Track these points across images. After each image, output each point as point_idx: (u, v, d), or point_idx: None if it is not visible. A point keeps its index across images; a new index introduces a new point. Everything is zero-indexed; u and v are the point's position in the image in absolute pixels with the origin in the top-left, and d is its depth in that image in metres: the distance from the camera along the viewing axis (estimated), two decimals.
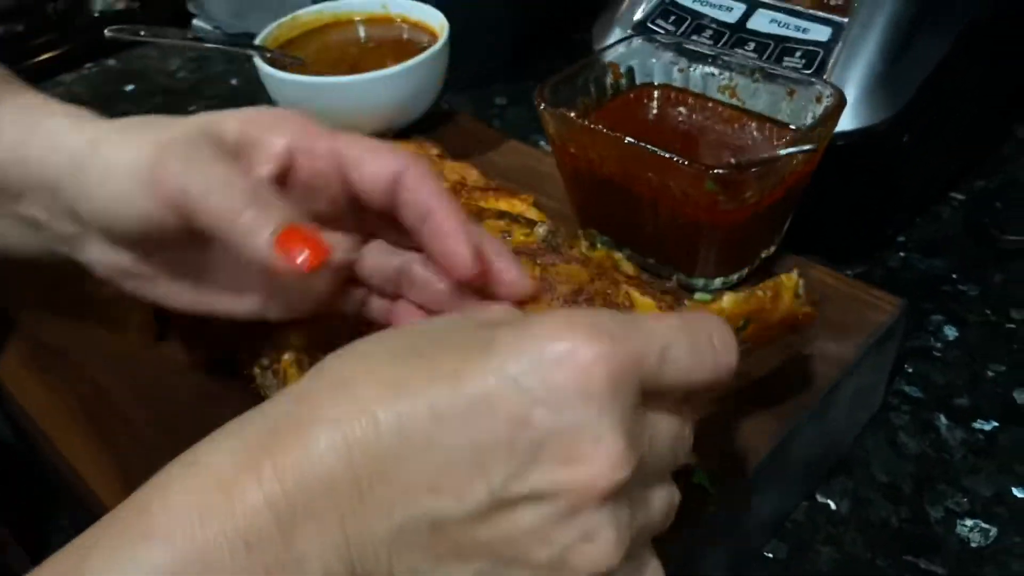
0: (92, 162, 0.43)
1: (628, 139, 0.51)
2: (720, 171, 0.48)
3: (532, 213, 0.60)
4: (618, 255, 0.56)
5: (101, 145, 0.43)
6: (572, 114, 0.54)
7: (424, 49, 0.74)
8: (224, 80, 1.06)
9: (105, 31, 0.66)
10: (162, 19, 1.19)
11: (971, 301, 0.68)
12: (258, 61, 0.70)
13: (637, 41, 0.62)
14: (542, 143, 0.90)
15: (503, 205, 0.61)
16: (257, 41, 0.73)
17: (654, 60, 0.62)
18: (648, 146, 0.50)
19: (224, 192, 0.39)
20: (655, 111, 0.61)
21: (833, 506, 0.55)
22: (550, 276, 0.53)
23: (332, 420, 0.28)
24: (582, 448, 0.28)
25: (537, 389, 0.28)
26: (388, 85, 0.68)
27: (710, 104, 0.60)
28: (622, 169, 0.54)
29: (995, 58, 0.71)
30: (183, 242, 0.43)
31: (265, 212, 0.38)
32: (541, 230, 0.56)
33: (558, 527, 0.29)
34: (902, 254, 0.73)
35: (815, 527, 0.54)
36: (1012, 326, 0.66)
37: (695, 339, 0.31)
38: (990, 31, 0.66)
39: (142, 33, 0.66)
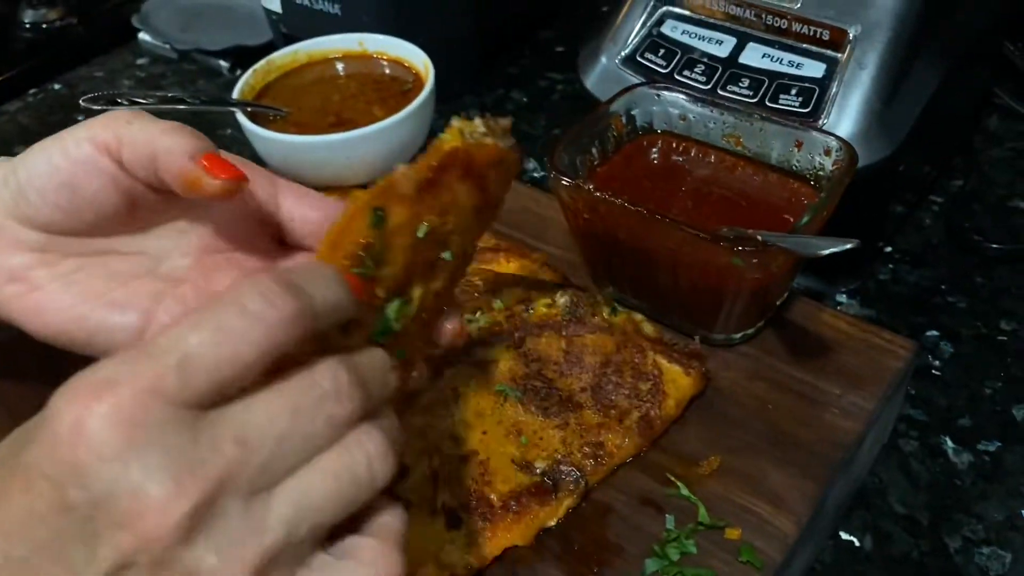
0: (26, 159, 0.44)
1: (650, 211, 0.51)
2: (748, 248, 0.48)
3: (546, 273, 0.60)
4: (639, 317, 0.57)
5: (31, 152, 0.44)
6: (590, 187, 0.54)
7: (407, 89, 0.73)
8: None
9: (80, 101, 0.62)
10: (104, 34, 1.14)
11: (962, 314, 0.71)
12: (242, 119, 0.68)
13: (639, 90, 0.61)
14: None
15: (516, 267, 0.60)
16: (235, 94, 0.71)
17: (655, 108, 0.62)
18: (671, 219, 0.51)
19: (152, 124, 0.43)
20: (662, 163, 0.61)
21: (857, 543, 0.57)
22: (576, 349, 0.53)
23: None
24: (126, 508, 0.28)
25: (59, 473, 0.28)
26: (378, 139, 0.67)
27: (716, 154, 0.60)
28: (640, 235, 0.54)
29: (978, 73, 0.72)
30: (100, 219, 0.45)
31: (190, 136, 0.42)
32: (563, 300, 0.56)
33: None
34: (891, 266, 0.75)
35: (842, 568, 0.56)
36: (1003, 338, 0.69)
37: (220, 324, 0.29)
38: (978, 54, 0.67)
39: (119, 101, 0.63)
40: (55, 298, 0.45)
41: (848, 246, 0.45)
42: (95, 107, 0.62)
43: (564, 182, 0.55)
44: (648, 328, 0.56)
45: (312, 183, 0.69)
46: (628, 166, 0.61)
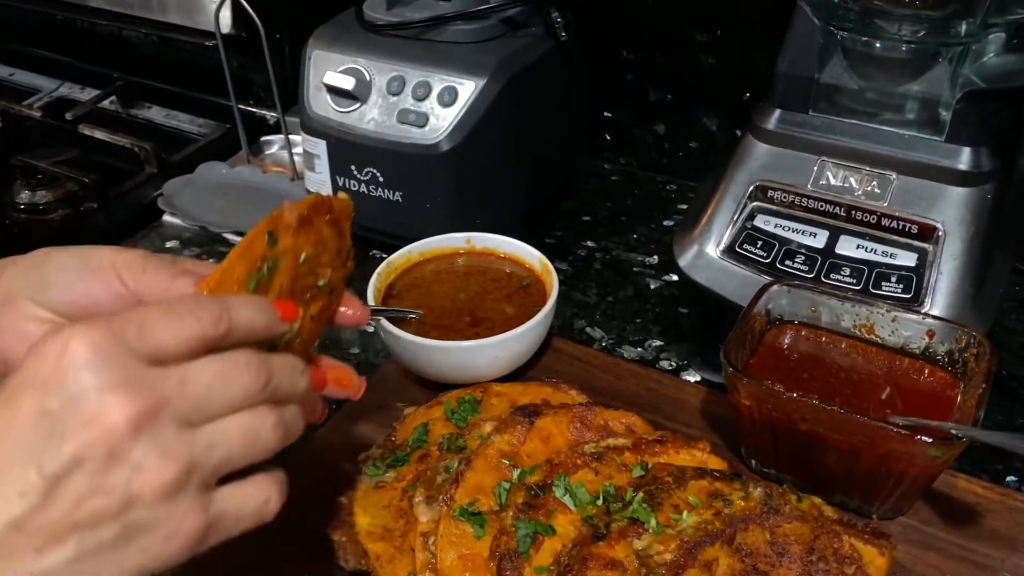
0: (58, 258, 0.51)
1: (846, 409, 0.57)
2: (946, 442, 0.55)
3: (713, 462, 0.65)
4: (818, 500, 0.62)
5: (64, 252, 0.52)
6: (779, 388, 0.60)
7: (527, 284, 0.77)
8: None
9: None
10: (127, 219, 1.13)
11: None
12: (388, 326, 0.71)
13: (773, 288, 0.68)
14: (588, 329, 0.94)
15: (686, 457, 0.65)
16: (369, 300, 0.73)
17: (785, 301, 0.69)
18: (867, 417, 0.57)
19: (162, 278, 0.50)
20: (804, 353, 0.68)
21: None
22: (780, 539, 0.58)
23: None
24: (91, 407, 0.37)
25: (42, 385, 0.37)
26: (512, 344, 0.71)
27: (847, 341, 0.68)
28: (825, 427, 0.60)
29: None
30: None
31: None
32: (757, 492, 0.60)
33: (106, 475, 0.37)
34: None
35: None
36: None
37: (169, 307, 0.41)
38: None
39: None
40: None
41: None
42: None
43: (749, 384, 0.60)
44: (829, 511, 0.61)
45: (452, 380, 0.72)
46: (774, 357, 0.67)
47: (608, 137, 1.21)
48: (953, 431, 0.55)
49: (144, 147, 1.18)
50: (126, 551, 0.38)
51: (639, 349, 0.90)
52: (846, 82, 0.75)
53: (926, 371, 0.65)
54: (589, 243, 1.09)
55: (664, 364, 0.88)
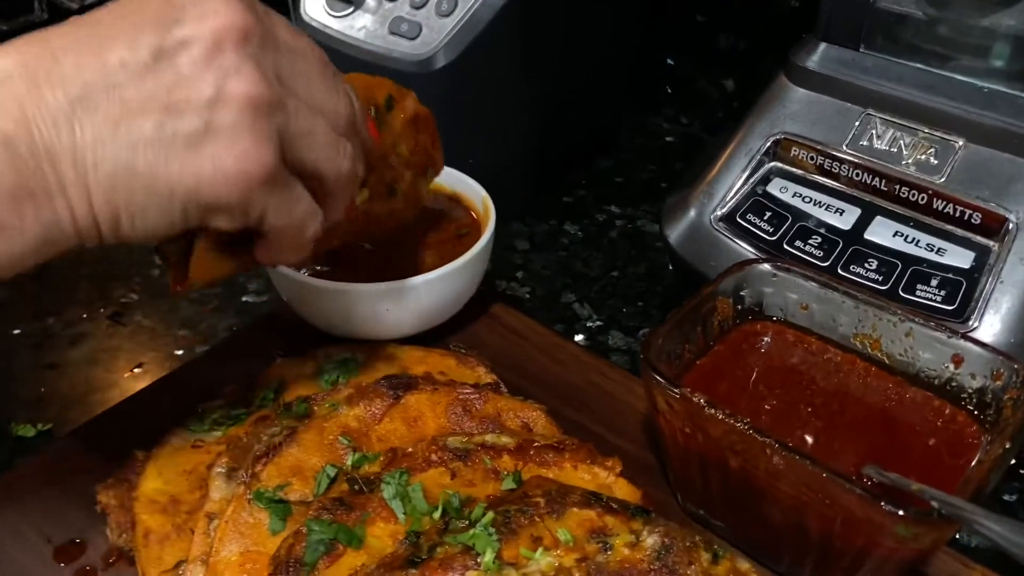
0: None
1: (791, 450, 0.39)
2: (919, 519, 0.36)
3: (621, 487, 0.48)
4: (745, 566, 0.44)
5: None
6: (701, 401, 0.42)
7: (464, 234, 0.62)
8: None
9: None
10: None
11: None
12: None
13: (753, 268, 0.50)
14: (576, 306, 0.78)
15: (584, 476, 0.48)
16: None
17: (768, 289, 0.51)
18: (812, 462, 0.39)
19: None
20: (777, 361, 0.49)
21: None
22: None
23: None
24: (213, 4, 0.38)
25: None
26: (406, 297, 0.56)
27: (844, 356, 0.49)
28: (762, 468, 0.42)
29: None
30: None
31: None
32: (651, 540, 0.43)
33: (207, 65, 0.37)
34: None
35: None
36: None
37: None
38: None
39: None
40: None
41: None
42: None
43: (669, 390, 0.43)
44: None
45: (342, 332, 0.58)
46: (734, 361, 0.49)
47: (669, 90, 1.03)
48: (934, 503, 0.36)
49: None
50: (196, 153, 0.38)
51: (629, 338, 0.73)
52: (911, 9, 0.55)
53: (946, 411, 0.46)
54: (613, 208, 0.91)
55: None
